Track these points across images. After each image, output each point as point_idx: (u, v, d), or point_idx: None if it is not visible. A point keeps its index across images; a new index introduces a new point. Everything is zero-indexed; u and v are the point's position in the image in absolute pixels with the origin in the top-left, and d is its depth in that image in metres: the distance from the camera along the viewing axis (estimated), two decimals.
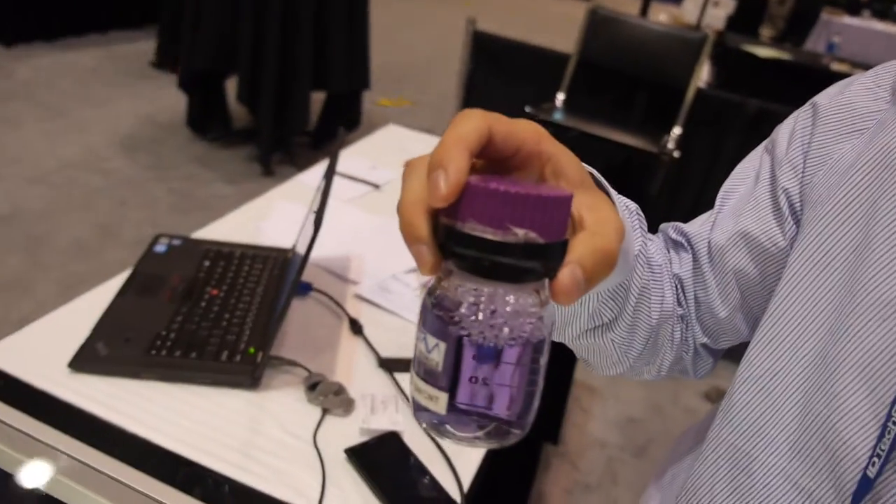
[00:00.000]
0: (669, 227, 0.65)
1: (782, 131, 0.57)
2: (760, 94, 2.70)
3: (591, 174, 0.40)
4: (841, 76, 0.57)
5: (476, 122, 0.31)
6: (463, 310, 0.30)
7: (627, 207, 0.52)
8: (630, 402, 2.35)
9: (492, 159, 0.33)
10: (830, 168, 0.51)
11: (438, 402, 0.31)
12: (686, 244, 0.63)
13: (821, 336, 0.48)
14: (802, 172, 0.53)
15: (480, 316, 0.30)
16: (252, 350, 0.95)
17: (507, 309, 0.30)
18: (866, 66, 0.55)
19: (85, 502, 0.53)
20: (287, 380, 0.95)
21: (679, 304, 0.61)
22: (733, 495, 0.53)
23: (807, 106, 0.56)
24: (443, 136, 0.30)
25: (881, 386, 0.43)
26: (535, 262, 0.29)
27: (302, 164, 1.88)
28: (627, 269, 0.47)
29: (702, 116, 2.75)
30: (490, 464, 0.92)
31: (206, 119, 3.61)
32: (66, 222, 2.78)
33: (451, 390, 0.31)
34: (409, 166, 0.32)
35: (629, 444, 2.17)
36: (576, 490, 1.96)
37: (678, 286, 0.62)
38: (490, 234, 0.29)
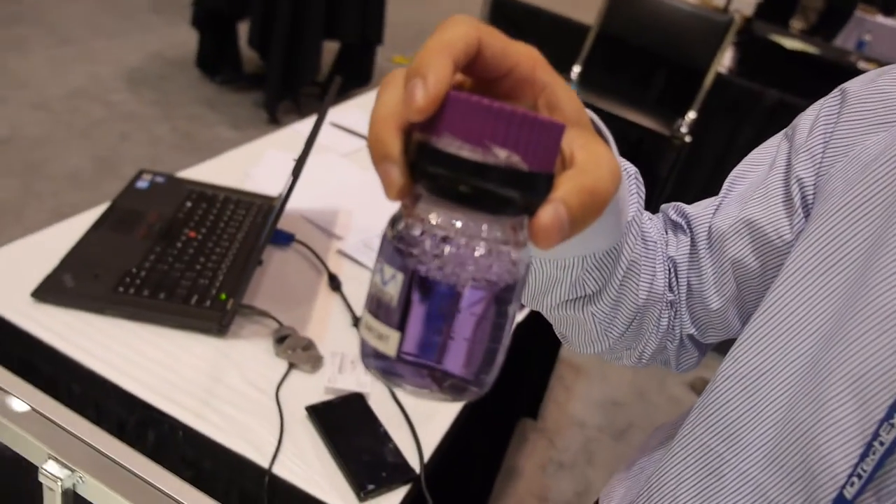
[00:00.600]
0: (670, 208, 0.60)
1: (805, 117, 0.53)
2: (782, 85, 2.63)
3: (591, 120, 0.36)
4: None
5: (465, 30, 0.27)
6: (427, 242, 0.26)
7: (626, 170, 0.48)
8: (615, 384, 2.34)
9: (480, 79, 0.29)
10: (851, 160, 0.47)
11: (389, 342, 0.28)
12: (685, 226, 0.59)
13: (816, 340, 0.44)
14: (821, 161, 0.49)
15: (447, 250, 0.26)
16: (223, 296, 0.93)
17: (478, 245, 0.27)
18: None
19: (30, 449, 0.50)
20: (256, 330, 0.93)
21: (670, 288, 0.57)
22: (698, 497, 0.49)
23: (835, 92, 0.52)
24: (425, 43, 0.27)
25: (872, 401, 0.39)
26: (514, 192, 0.26)
27: (308, 115, 1.83)
28: (618, 233, 0.43)
29: (719, 102, 2.68)
30: (458, 433, 0.90)
31: (216, 60, 3.54)
32: (65, 151, 2.74)
33: (403, 329, 0.28)
34: (386, 79, 0.28)
35: (609, 427, 2.16)
36: (549, 467, 1.95)
37: (671, 270, 0.58)
38: (467, 152, 0.25)
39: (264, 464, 0.75)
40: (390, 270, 0.28)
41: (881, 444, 0.38)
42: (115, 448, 0.50)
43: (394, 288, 0.27)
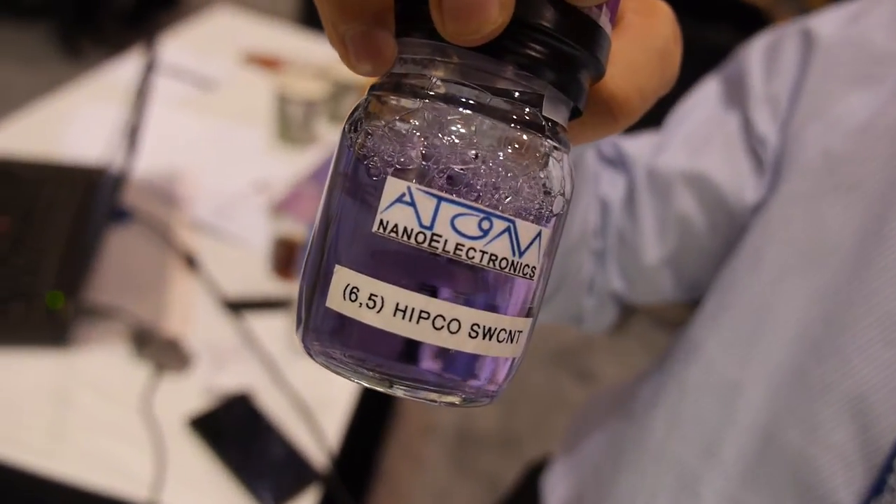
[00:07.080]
0: (603, 143, 0.50)
1: (753, 58, 0.45)
2: None
3: None
4: None
5: None
6: (423, 140, 0.17)
7: None
8: None
9: None
10: (831, 124, 0.40)
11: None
12: (622, 166, 0.50)
13: (801, 348, 0.39)
14: (787, 118, 0.43)
15: (450, 153, 0.17)
16: (57, 298, 0.76)
17: (500, 150, 0.17)
18: None
19: None
20: (107, 333, 0.78)
21: (597, 234, 0.49)
22: None
23: (793, 31, 0.45)
24: None
25: (877, 424, 0.35)
26: (577, 49, 0.17)
27: (117, 46, 1.56)
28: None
29: None
30: (363, 412, 0.83)
31: None
32: None
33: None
34: None
35: None
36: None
37: (603, 212, 0.49)
38: None
39: (144, 498, 0.63)
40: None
41: None
42: None
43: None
